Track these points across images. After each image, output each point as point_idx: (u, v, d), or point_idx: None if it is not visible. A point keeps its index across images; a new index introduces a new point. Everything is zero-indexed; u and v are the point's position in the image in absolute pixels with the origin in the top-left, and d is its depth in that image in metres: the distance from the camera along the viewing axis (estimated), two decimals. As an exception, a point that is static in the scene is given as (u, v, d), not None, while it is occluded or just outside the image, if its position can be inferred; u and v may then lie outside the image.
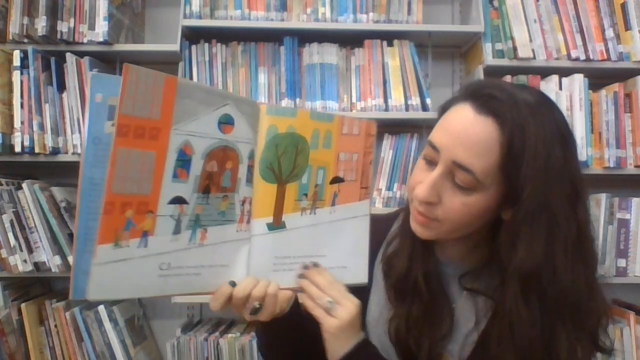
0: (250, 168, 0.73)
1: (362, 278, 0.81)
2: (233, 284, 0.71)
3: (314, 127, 0.77)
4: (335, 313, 0.73)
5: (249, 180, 0.73)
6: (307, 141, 0.76)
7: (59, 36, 1.66)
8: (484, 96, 0.69)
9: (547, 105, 0.71)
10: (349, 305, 0.74)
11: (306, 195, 0.77)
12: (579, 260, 0.71)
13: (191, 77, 1.74)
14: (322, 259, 0.78)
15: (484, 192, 0.70)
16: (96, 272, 0.59)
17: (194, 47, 1.76)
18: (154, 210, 0.63)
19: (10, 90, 1.64)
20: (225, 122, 0.70)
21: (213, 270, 0.71)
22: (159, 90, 0.62)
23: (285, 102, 1.74)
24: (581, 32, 1.76)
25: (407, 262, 0.80)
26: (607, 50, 1.76)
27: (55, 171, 1.77)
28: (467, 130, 0.69)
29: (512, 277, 0.70)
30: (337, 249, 0.79)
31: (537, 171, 0.66)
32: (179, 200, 0.66)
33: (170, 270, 0.66)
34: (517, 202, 0.68)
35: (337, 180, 0.79)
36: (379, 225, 0.86)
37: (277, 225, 0.75)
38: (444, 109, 0.75)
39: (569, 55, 1.76)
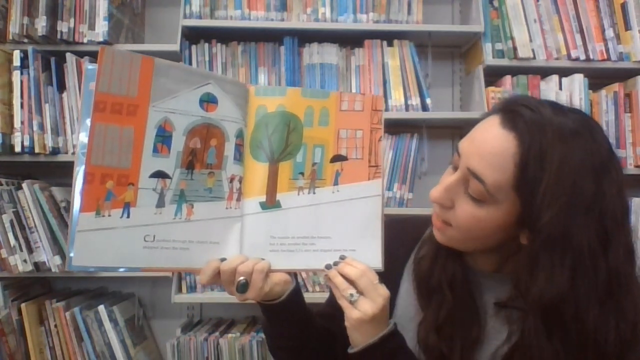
0: (238, 147, 0.74)
1: (374, 262, 0.76)
2: (223, 260, 0.71)
3: (307, 104, 0.76)
4: (359, 305, 0.71)
5: (238, 158, 0.74)
6: (300, 119, 0.75)
7: (59, 36, 1.67)
8: (513, 111, 0.68)
9: (588, 134, 0.67)
10: (376, 299, 0.71)
11: (303, 174, 0.76)
12: (610, 310, 0.65)
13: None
14: (326, 240, 0.76)
15: (496, 208, 0.68)
16: (79, 239, 0.62)
17: (194, 47, 1.77)
18: (135, 182, 0.66)
19: (10, 90, 1.65)
20: (208, 101, 0.71)
21: (202, 247, 0.71)
22: (136, 69, 0.65)
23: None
24: (581, 32, 1.76)
25: (430, 265, 0.78)
26: (607, 50, 1.76)
27: (55, 171, 1.77)
28: (486, 140, 0.68)
29: (532, 308, 0.67)
30: (344, 231, 0.77)
31: (558, 199, 0.63)
32: (160, 174, 0.68)
33: (155, 243, 0.68)
34: (535, 227, 0.65)
35: (338, 158, 0.77)
36: (419, 225, 0.86)
37: (271, 204, 0.75)
38: (480, 119, 0.74)
39: (569, 55, 1.76)
